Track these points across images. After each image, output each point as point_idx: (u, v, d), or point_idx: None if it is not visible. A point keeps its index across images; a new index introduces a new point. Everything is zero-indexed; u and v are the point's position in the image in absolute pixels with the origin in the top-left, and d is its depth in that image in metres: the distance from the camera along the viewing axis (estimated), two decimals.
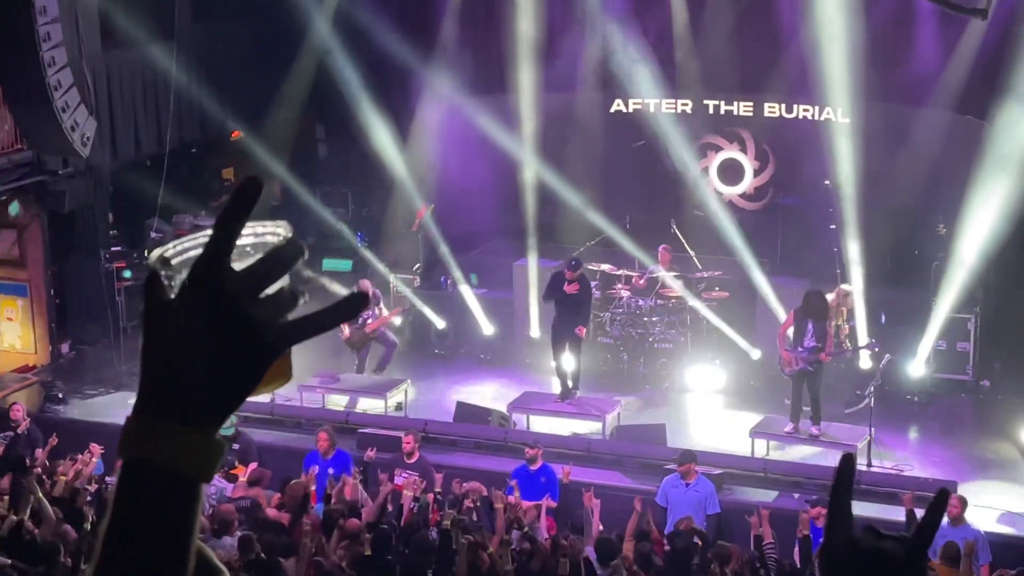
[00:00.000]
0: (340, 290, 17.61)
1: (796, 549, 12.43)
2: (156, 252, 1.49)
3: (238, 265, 1.45)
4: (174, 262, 1.48)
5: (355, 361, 17.74)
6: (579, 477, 13.94)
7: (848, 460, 1.76)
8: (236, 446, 14.81)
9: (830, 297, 15.88)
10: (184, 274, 1.46)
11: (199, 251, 1.46)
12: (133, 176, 18.86)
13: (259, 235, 1.49)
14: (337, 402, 17.01)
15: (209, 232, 1.45)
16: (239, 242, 1.46)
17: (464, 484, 13.50)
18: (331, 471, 14.19)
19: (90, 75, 17.50)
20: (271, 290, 1.46)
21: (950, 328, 16.98)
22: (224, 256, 1.44)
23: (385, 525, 12.32)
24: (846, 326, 16.43)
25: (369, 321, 17.47)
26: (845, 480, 1.75)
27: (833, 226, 17.66)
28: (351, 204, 21.48)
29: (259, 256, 1.47)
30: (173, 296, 1.46)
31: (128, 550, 1.45)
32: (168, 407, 1.45)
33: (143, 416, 1.46)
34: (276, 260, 1.47)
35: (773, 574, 11.76)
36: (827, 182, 18.05)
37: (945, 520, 12.43)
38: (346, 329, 17.17)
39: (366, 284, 16.60)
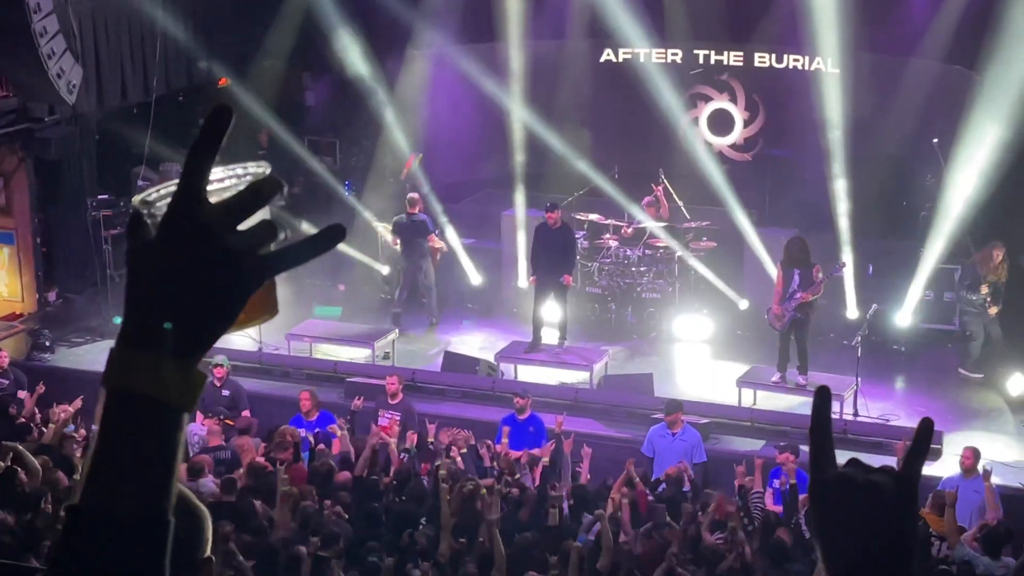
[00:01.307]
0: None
1: (769, 494, 12.57)
2: (138, 196, 1.51)
3: (217, 200, 1.47)
4: (157, 205, 1.50)
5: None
6: (567, 427, 13.99)
7: (823, 395, 1.76)
8: (226, 392, 14.84)
9: (997, 256, 15.84)
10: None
11: (174, 192, 1.47)
12: (119, 124, 18.76)
13: (239, 176, 1.50)
14: (324, 351, 17.02)
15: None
16: (222, 183, 1.47)
17: (450, 432, 13.56)
18: (317, 431, 14.23)
19: (76, 22, 17.36)
20: (250, 222, 1.48)
21: (937, 278, 17.02)
22: (199, 184, 1.46)
23: (374, 476, 12.37)
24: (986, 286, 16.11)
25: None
26: (823, 415, 1.75)
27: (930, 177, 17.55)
28: (339, 153, 21.39)
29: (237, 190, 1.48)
30: (154, 234, 1.48)
31: (112, 479, 1.47)
32: (149, 338, 1.46)
33: (125, 347, 1.48)
34: (253, 193, 1.49)
35: (758, 523, 11.83)
36: (935, 140, 17.91)
37: (958, 472, 12.60)
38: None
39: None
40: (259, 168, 1.52)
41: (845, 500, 1.70)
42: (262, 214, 1.49)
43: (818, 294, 15.59)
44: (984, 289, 15.92)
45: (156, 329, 1.46)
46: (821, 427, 1.75)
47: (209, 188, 1.48)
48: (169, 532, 1.48)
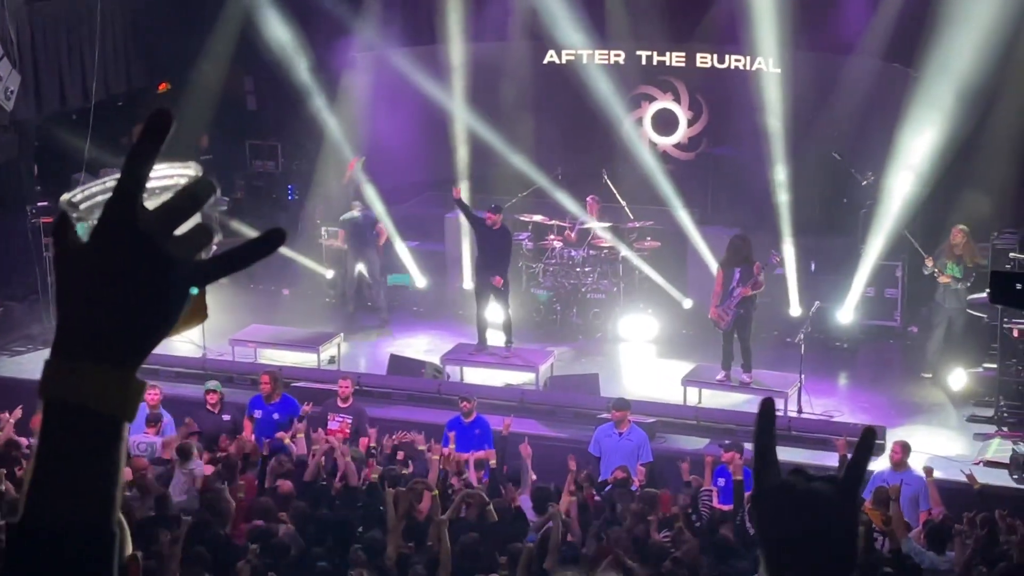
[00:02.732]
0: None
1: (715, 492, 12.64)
2: (64, 196, 1.48)
3: (150, 204, 1.45)
4: (82, 206, 1.47)
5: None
6: (513, 428, 13.99)
7: (768, 404, 1.77)
8: (227, 417, 14.54)
9: (956, 235, 15.85)
10: (95, 217, 1.45)
11: (108, 195, 1.45)
12: (59, 130, 18.60)
13: (170, 176, 1.48)
14: (270, 356, 16.93)
15: (118, 175, 1.44)
16: (150, 184, 1.45)
17: (395, 435, 13.53)
18: (276, 416, 14.16)
19: (13, 27, 17.20)
20: (184, 228, 1.46)
21: (878, 275, 17.16)
22: (136, 193, 1.44)
23: (323, 482, 12.33)
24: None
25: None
26: (767, 424, 1.76)
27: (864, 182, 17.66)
28: (280, 157, 21.30)
29: (171, 195, 1.46)
30: (86, 238, 1.45)
31: (54, 493, 1.44)
32: (85, 347, 1.44)
33: (61, 357, 1.45)
34: (188, 197, 1.46)
35: (705, 519, 11.89)
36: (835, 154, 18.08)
37: (887, 465, 12.70)
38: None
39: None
40: (189, 170, 1.49)
41: (787, 508, 1.70)
42: (196, 218, 1.47)
43: (759, 289, 15.64)
44: (929, 263, 15.99)
45: (91, 336, 1.44)
46: (764, 437, 1.75)
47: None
48: (115, 543, 1.46)
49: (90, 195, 1.47)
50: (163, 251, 1.44)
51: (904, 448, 12.87)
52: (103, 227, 1.44)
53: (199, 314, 1.51)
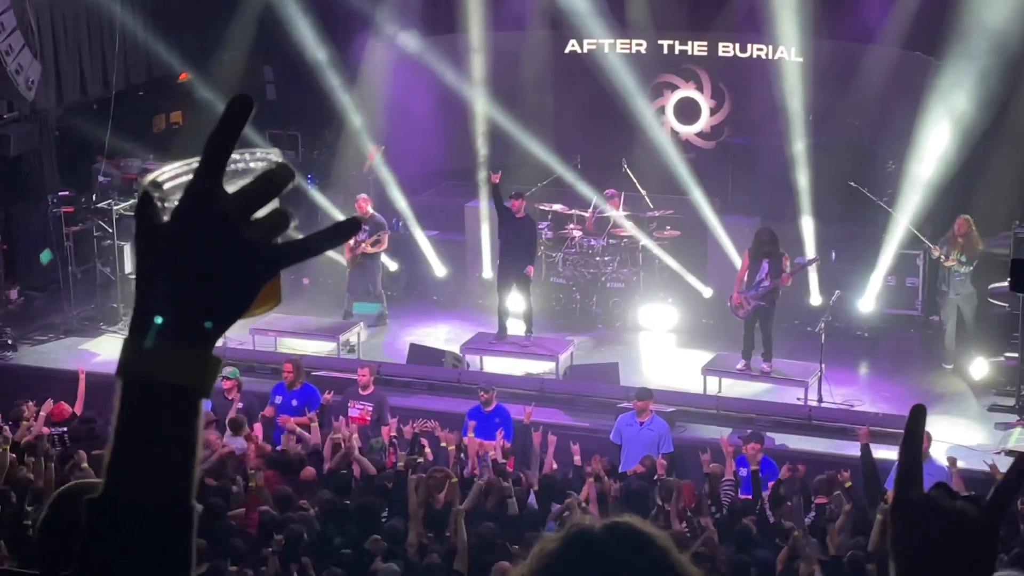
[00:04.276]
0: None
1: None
2: (147, 177, 1.51)
3: (230, 188, 1.48)
4: (165, 187, 1.50)
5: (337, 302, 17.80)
6: (534, 417, 14.00)
7: (918, 413, 1.76)
8: (241, 405, 14.55)
9: (960, 227, 15.78)
10: (176, 198, 1.48)
11: (190, 177, 1.48)
12: (79, 119, 18.64)
13: (249, 161, 1.51)
14: (289, 345, 16.96)
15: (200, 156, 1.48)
16: (230, 167, 1.48)
17: (415, 423, 13.54)
18: (295, 403, 14.25)
19: (34, 18, 17.24)
20: (263, 212, 1.49)
21: (899, 264, 17.10)
22: (216, 176, 1.47)
23: (344, 471, 12.36)
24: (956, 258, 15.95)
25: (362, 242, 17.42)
26: (916, 434, 1.75)
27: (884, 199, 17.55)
28: (300, 146, 21.32)
29: (251, 179, 1.49)
30: (166, 219, 1.48)
31: (134, 469, 1.48)
32: (164, 326, 1.48)
33: (141, 336, 1.48)
34: (268, 182, 1.50)
35: (725, 510, 11.88)
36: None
37: None
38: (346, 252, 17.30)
39: (364, 205, 16.72)
40: (270, 155, 1.53)
41: (929, 524, 1.69)
42: (274, 203, 1.50)
43: (787, 283, 15.66)
44: (936, 251, 15.99)
45: (172, 316, 1.47)
46: (911, 446, 1.75)
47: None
48: (194, 518, 1.50)
49: (172, 176, 1.50)
50: (241, 233, 1.47)
51: (928, 437, 12.84)
52: (183, 208, 1.47)
53: (273, 298, 1.55)
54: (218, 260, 1.47)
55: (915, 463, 1.74)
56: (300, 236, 1.52)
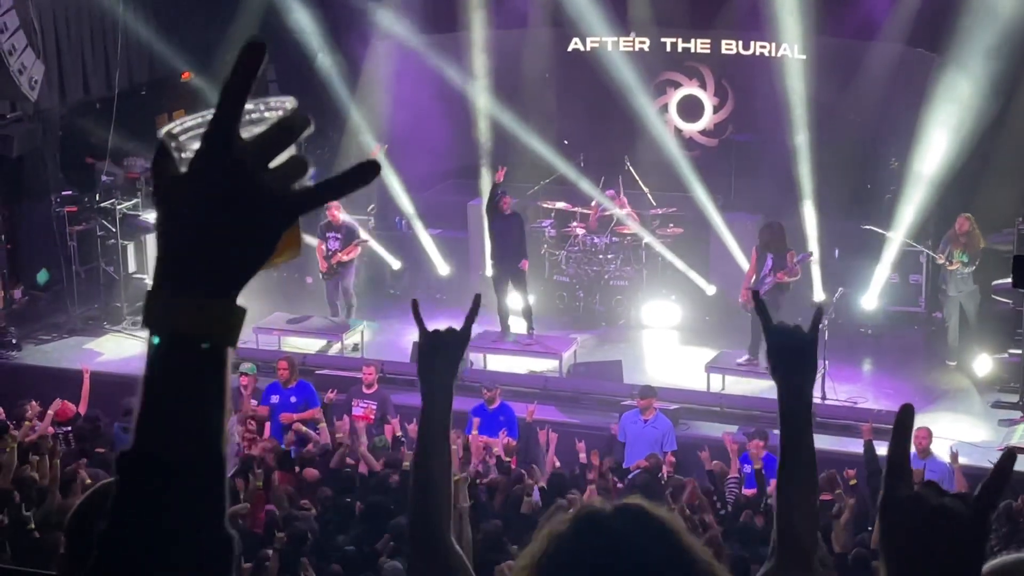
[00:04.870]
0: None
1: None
2: (163, 128, 1.51)
3: (246, 135, 1.48)
4: (181, 138, 1.50)
5: (327, 307, 17.65)
6: (537, 415, 14.01)
7: (907, 412, 1.78)
8: (253, 402, 14.56)
9: (962, 225, 15.82)
10: (193, 148, 1.47)
11: (206, 128, 1.48)
12: (82, 119, 18.65)
13: (264, 111, 1.51)
14: (293, 344, 16.97)
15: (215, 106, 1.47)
16: (245, 117, 1.48)
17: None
18: (293, 399, 14.24)
19: (36, 17, 17.24)
20: (280, 159, 1.49)
21: (903, 261, 17.10)
22: (233, 123, 1.46)
23: (348, 469, 12.36)
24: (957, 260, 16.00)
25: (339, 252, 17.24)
26: (904, 434, 1.77)
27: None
28: (303, 145, 21.27)
29: (266, 127, 1.49)
30: (183, 170, 1.48)
31: (163, 422, 1.47)
32: (188, 278, 1.47)
33: (163, 289, 1.48)
34: (284, 129, 1.50)
35: (730, 507, 11.88)
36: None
37: (913, 451, 12.67)
38: (323, 263, 17.15)
39: (335, 212, 16.66)
40: (285, 103, 1.52)
41: (916, 521, 1.70)
42: (291, 150, 1.50)
43: (794, 277, 15.67)
44: (940, 258, 16.02)
45: (194, 267, 1.47)
46: (899, 446, 1.77)
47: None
48: (224, 469, 1.49)
49: (189, 127, 1.50)
50: (258, 179, 1.46)
51: (930, 434, 12.84)
52: (200, 155, 1.47)
53: (293, 247, 1.55)
54: (236, 206, 1.46)
55: (903, 461, 1.75)
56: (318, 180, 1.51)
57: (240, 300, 1.52)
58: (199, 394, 1.47)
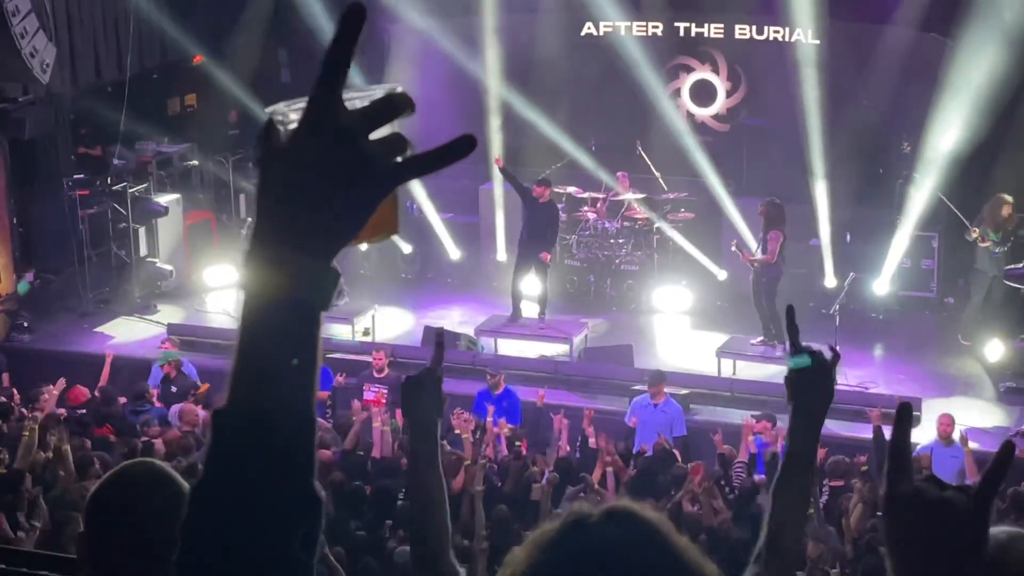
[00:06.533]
0: None
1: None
2: (269, 108, 1.55)
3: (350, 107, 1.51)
4: (289, 115, 1.53)
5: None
6: (547, 399, 14.02)
7: (906, 408, 1.80)
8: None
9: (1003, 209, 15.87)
10: (296, 119, 1.51)
11: (312, 93, 1.51)
12: (94, 103, 18.66)
13: (365, 95, 1.55)
14: None
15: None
16: (349, 104, 1.50)
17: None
18: None
19: (48, 1, 17.25)
20: (381, 133, 1.52)
21: (915, 246, 17.07)
22: (336, 87, 1.49)
23: (361, 452, 12.37)
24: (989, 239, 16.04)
25: None
26: (905, 428, 1.78)
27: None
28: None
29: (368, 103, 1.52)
30: (288, 139, 1.50)
31: (258, 380, 1.50)
32: (287, 239, 1.49)
33: (264, 250, 1.50)
34: (388, 103, 1.53)
35: (738, 491, 11.87)
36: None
37: (935, 438, 12.65)
38: None
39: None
40: (391, 88, 1.56)
41: (918, 515, 1.72)
42: (392, 127, 1.53)
43: (765, 259, 15.67)
44: (975, 234, 16.01)
45: (293, 228, 1.49)
46: (900, 441, 1.78)
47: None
48: (315, 431, 1.52)
49: (294, 108, 1.53)
50: (361, 145, 1.49)
51: (952, 421, 12.85)
52: (305, 119, 1.49)
53: (390, 225, 1.61)
54: (340, 170, 1.48)
55: (904, 457, 1.76)
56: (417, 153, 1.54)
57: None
58: (292, 353, 1.50)
